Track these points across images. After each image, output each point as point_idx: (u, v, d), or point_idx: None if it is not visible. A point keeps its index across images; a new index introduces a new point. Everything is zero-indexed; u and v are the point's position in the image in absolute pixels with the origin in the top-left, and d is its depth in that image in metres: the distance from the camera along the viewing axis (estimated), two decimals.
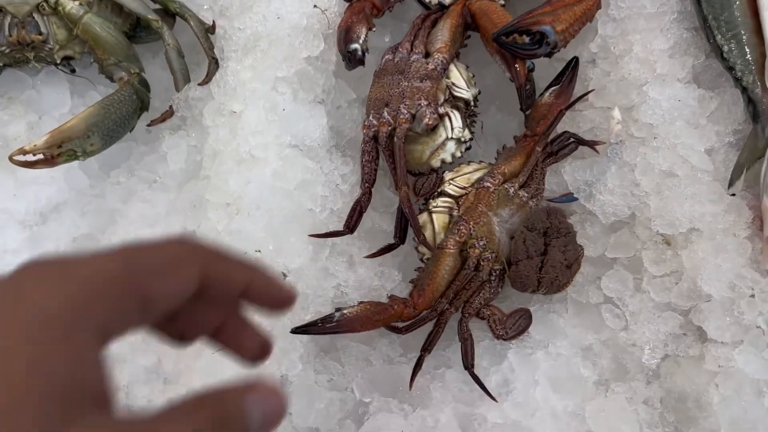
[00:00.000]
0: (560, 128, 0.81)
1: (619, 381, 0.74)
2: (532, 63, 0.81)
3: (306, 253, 0.78)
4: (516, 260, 0.74)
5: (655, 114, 0.78)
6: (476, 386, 0.73)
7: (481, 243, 0.75)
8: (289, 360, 0.74)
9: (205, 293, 0.38)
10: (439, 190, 0.79)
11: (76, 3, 0.85)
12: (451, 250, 0.75)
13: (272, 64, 0.84)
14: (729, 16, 0.78)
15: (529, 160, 0.80)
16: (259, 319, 0.43)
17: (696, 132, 0.77)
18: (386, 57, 0.84)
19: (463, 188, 0.79)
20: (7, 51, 0.85)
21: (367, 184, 0.79)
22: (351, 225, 0.79)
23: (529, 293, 0.76)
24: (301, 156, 0.81)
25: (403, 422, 0.73)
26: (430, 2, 0.86)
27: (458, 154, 0.81)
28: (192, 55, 0.89)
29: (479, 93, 0.84)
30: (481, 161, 0.82)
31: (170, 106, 0.87)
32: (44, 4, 0.84)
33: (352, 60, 0.82)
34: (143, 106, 0.86)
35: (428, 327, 0.75)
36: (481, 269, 0.75)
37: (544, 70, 0.84)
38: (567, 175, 0.81)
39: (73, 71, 0.88)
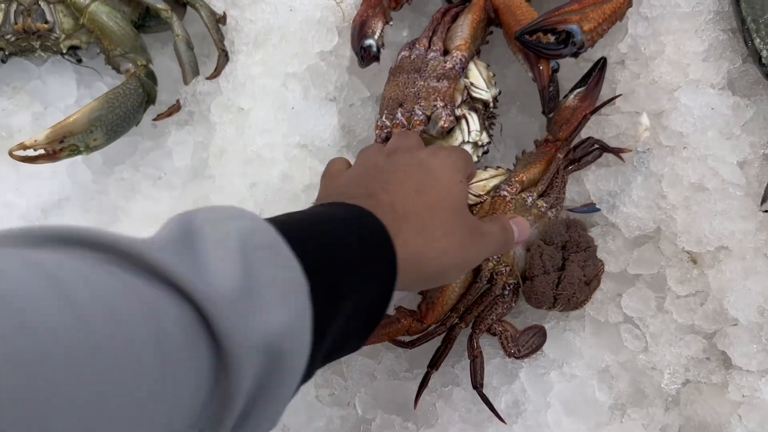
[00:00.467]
0: (584, 133, 0.77)
1: (636, 406, 0.70)
2: (557, 63, 0.76)
3: None
4: (532, 275, 0.70)
5: (686, 122, 0.74)
6: (485, 407, 0.69)
7: (495, 256, 0.72)
8: None
9: None
10: None
11: None
12: None
13: (283, 59, 0.80)
14: None
15: (550, 167, 0.75)
16: None
17: (729, 143, 0.72)
18: (402, 54, 0.80)
19: (479, 196, 0.75)
20: (13, 39, 0.83)
21: None
22: None
23: (545, 310, 0.72)
24: (310, 157, 0.78)
25: None
26: None
27: (475, 158, 0.77)
28: (202, 46, 0.86)
29: (499, 93, 0.80)
30: (498, 167, 0.77)
31: (177, 101, 0.84)
32: None
33: (366, 57, 0.78)
34: (150, 99, 0.83)
35: (436, 342, 0.72)
36: (495, 283, 0.72)
37: (570, 70, 0.80)
38: (589, 183, 0.76)
39: (79, 61, 0.86)
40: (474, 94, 0.77)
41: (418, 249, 0.54)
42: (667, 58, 0.77)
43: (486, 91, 0.77)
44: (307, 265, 0.43)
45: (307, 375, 0.45)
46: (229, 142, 0.80)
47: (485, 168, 0.77)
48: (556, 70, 0.77)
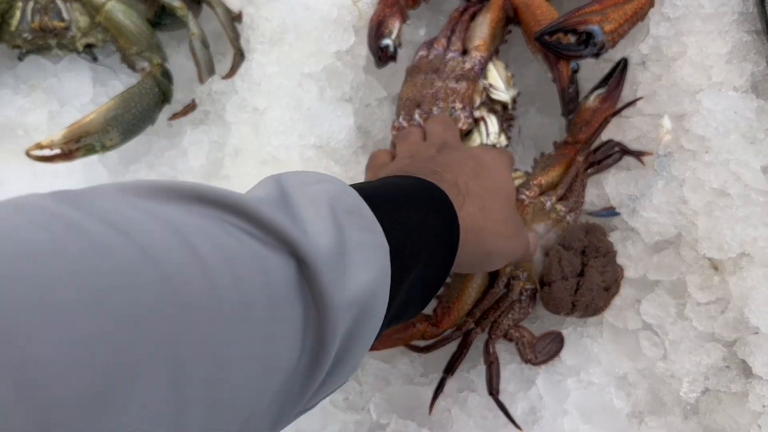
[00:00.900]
0: (605, 136, 0.76)
1: (654, 414, 0.69)
2: (577, 64, 0.75)
3: None
4: (550, 281, 0.69)
5: (709, 125, 0.72)
6: (500, 413, 0.69)
7: (524, 274, 0.71)
8: None
9: None
10: None
11: None
12: None
13: (299, 58, 0.80)
14: None
15: (569, 170, 0.74)
16: None
17: (752, 147, 0.71)
18: (420, 54, 0.79)
19: None
20: (30, 38, 0.82)
21: None
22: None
23: (563, 315, 0.71)
24: (326, 158, 0.77)
25: None
26: None
27: None
28: (218, 45, 0.85)
29: (518, 94, 0.79)
30: (516, 169, 0.76)
31: (192, 100, 0.84)
32: None
33: (383, 57, 0.77)
34: (165, 98, 0.82)
35: (451, 347, 0.71)
36: (512, 288, 0.71)
37: (590, 71, 0.78)
38: (609, 187, 0.75)
39: (95, 59, 0.85)
40: (493, 96, 0.76)
41: (479, 223, 0.57)
42: (689, 60, 0.75)
43: (505, 93, 0.76)
44: (385, 229, 0.45)
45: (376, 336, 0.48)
46: (244, 142, 0.79)
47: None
48: (576, 71, 0.76)
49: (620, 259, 0.72)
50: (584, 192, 0.75)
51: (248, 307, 0.35)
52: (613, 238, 0.73)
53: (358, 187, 0.48)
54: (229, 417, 0.34)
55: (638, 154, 0.74)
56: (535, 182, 0.73)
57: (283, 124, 0.78)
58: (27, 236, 0.29)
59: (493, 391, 0.69)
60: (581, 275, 0.69)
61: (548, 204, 0.72)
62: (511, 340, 0.71)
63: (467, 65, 0.75)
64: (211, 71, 0.83)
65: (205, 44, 0.83)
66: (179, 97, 0.84)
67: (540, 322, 0.75)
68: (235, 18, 0.84)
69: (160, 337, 0.30)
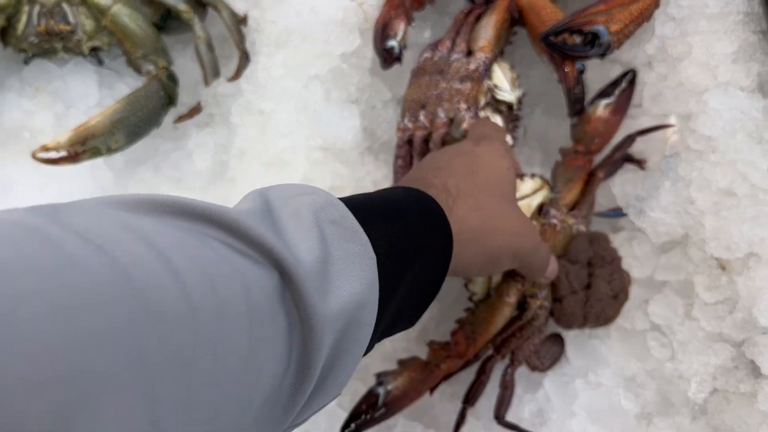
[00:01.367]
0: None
1: (662, 415, 0.69)
2: (583, 65, 0.75)
3: None
4: (560, 296, 0.68)
5: (715, 125, 0.72)
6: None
7: (543, 293, 0.68)
8: None
9: None
10: None
11: None
12: (512, 301, 0.68)
13: (305, 60, 0.80)
14: None
15: (590, 186, 0.73)
16: None
17: (759, 147, 0.71)
18: (425, 55, 0.79)
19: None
20: (36, 41, 0.83)
21: None
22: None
23: (576, 329, 0.71)
24: (332, 160, 0.77)
25: None
26: None
27: None
28: (223, 48, 0.85)
29: (524, 95, 0.78)
30: (533, 174, 0.73)
31: (198, 102, 0.84)
32: None
33: (388, 59, 0.77)
34: (171, 101, 0.82)
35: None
36: (528, 307, 0.69)
37: (596, 71, 0.78)
38: (616, 188, 0.75)
39: (101, 62, 0.86)
40: (498, 96, 0.76)
41: (475, 224, 0.56)
42: (695, 60, 0.75)
43: (510, 93, 0.76)
44: (372, 240, 0.45)
45: (369, 348, 0.47)
46: (250, 144, 0.79)
47: (523, 178, 0.72)
48: (582, 72, 0.76)
49: (627, 260, 0.72)
50: (594, 205, 0.74)
51: (225, 321, 0.35)
52: (620, 238, 0.73)
53: (345, 200, 0.47)
54: None
55: (641, 163, 0.74)
56: (563, 202, 0.71)
57: (289, 126, 0.78)
58: None
59: (501, 416, 0.68)
60: (589, 287, 0.69)
61: (575, 228, 0.71)
62: (529, 365, 0.70)
63: (472, 66, 0.75)
64: (217, 74, 0.84)
65: (210, 47, 0.83)
66: (185, 99, 0.85)
67: None
68: (240, 21, 0.84)
69: (130, 353, 0.30)
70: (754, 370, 0.67)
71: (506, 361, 0.70)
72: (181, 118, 0.84)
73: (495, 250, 0.58)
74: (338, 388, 0.45)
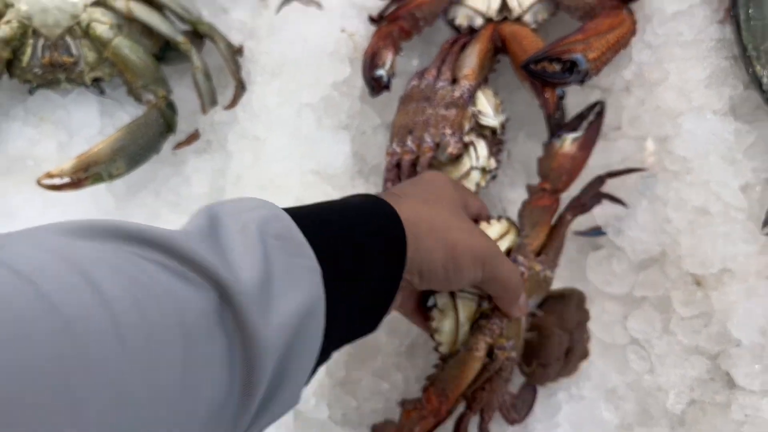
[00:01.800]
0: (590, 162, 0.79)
1: (642, 426, 0.71)
2: (563, 91, 0.79)
3: None
4: (546, 362, 0.68)
5: (690, 147, 0.75)
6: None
7: (510, 343, 0.66)
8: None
9: None
10: None
11: (107, 26, 0.85)
12: (481, 354, 0.65)
13: (298, 89, 0.83)
14: None
15: (558, 229, 0.72)
16: None
17: (731, 168, 0.74)
18: (412, 83, 0.82)
19: None
20: (40, 73, 0.86)
21: None
22: None
23: None
24: (324, 183, 0.81)
25: None
26: (460, 25, 0.84)
27: (483, 183, 0.79)
28: (219, 77, 0.89)
29: (507, 120, 0.82)
30: (500, 217, 0.71)
31: (196, 130, 0.88)
32: (76, 27, 0.85)
33: (377, 87, 0.80)
34: (170, 128, 0.86)
35: None
36: (495, 358, 0.66)
37: (576, 96, 0.82)
38: (595, 208, 0.78)
39: (102, 92, 0.89)
40: (481, 122, 0.79)
41: (428, 214, 0.56)
42: (670, 85, 0.79)
43: (493, 119, 0.80)
44: (320, 250, 0.45)
45: (325, 356, 0.48)
46: (245, 169, 0.83)
47: (490, 221, 0.70)
48: (562, 98, 0.79)
49: (605, 276, 0.75)
50: (563, 247, 0.73)
51: (156, 346, 0.35)
52: (600, 256, 0.76)
53: (293, 210, 0.48)
54: None
55: (616, 200, 0.75)
56: (531, 248, 0.69)
57: (283, 151, 0.81)
58: None
59: None
60: (569, 351, 0.71)
61: (542, 274, 0.69)
62: (507, 419, 0.70)
63: (456, 93, 0.78)
64: (214, 102, 0.87)
65: (207, 77, 0.87)
66: (183, 127, 0.88)
67: None
68: (236, 52, 0.88)
69: (57, 384, 0.30)
70: (729, 382, 0.70)
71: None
72: (179, 145, 0.88)
73: (453, 245, 0.56)
74: (292, 399, 0.46)
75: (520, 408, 0.70)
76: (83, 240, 0.37)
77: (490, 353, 0.66)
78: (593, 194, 0.73)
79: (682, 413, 0.71)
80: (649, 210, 0.76)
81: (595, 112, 0.78)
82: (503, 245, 0.69)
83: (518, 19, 0.82)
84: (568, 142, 0.76)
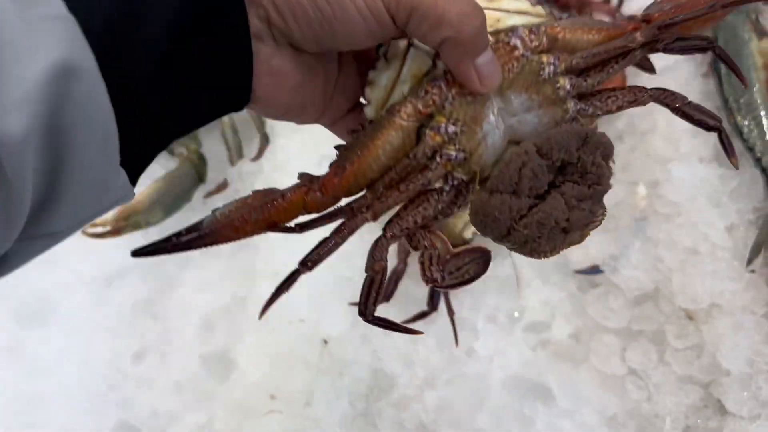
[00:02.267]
0: None
1: None
2: None
3: (345, 321, 0.84)
4: (493, 188, 0.43)
5: (679, 192, 0.82)
6: None
7: (451, 128, 0.44)
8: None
9: None
10: None
11: None
12: (404, 123, 0.44)
13: (317, 141, 0.91)
14: (749, 98, 0.82)
15: (612, 42, 0.46)
16: None
17: (717, 210, 0.81)
18: None
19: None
20: None
21: (402, 254, 0.85)
22: (388, 293, 0.84)
23: (488, 238, 0.45)
24: None
25: None
26: None
27: None
28: (246, 130, 0.96)
29: None
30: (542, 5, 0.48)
31: (225, 179, 0.95)
32: None
33: None
34: (201, 179, 0.93)
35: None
36: (436, 167, 0.45)
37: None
38: (593, 247, 0.85)
39: None
40: None
41: None
42: (660, 134, 0.86)
43: None
44: None
45: (161, 139, 0.37)
46: None
47: None
48: None
49: (603, 311, 0.81)
50: (615, 85, 0.49)
51: None
52: (597, 293, 0.83)
53: None
54: None
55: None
56: (549, 30, 0.45)
57: None
58: None
59: (368, 313, 0.48)
60: (541, 198, 0.43)
61: (548, 69, 0.45)
62: (415, 247, 0.47)
63: None
64: (240, 154, 0.95)
65: (235, 131, 0.94)
66: (212, 176, 0.96)
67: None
68: None
69: None
70: (720, 408, 0.76)
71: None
72: (210, 194, 0.95)
73: None
74: (97, 193, 0.36)
75: (451, 271, 0.46)
76: None
77: (432, 157, 0.45)
78: (684, 39, 0.47)
79: None
80: (642, 250, 0.82)
81: None
82: (511, 20, 0.47)
83: None
84: None
